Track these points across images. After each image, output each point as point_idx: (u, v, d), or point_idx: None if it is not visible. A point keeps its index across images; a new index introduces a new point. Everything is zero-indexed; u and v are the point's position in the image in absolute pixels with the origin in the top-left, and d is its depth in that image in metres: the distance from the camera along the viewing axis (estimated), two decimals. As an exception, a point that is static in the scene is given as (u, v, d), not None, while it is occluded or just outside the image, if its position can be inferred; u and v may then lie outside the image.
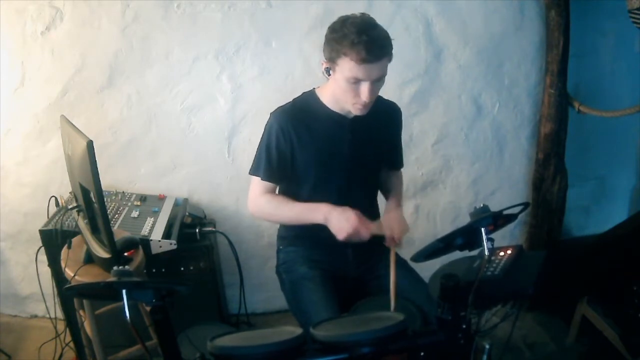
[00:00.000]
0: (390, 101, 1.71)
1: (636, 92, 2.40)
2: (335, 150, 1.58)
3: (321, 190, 1.61)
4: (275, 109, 1.60)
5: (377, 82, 1.44)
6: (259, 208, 1.64)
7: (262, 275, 2.50)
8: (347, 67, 1.39)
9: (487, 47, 2.32)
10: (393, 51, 1.43)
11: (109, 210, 2.03)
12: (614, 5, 2.20)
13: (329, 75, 1.48)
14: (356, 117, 1.55)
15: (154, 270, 2.03)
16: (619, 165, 2.71)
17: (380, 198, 1.82)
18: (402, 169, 1.86)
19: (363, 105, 1.46)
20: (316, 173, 1.61)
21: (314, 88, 1.63)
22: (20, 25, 2.07)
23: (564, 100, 2.31)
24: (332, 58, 1.42)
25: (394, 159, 1.79)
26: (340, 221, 1.46)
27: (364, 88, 1.42)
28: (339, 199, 1.58)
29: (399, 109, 1.72)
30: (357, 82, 1.41)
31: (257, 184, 1.62)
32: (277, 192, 1.69)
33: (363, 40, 1.34)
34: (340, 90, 1.47)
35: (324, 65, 1.47)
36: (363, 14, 1.43)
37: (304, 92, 1.64)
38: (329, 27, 1.44)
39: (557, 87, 2.28)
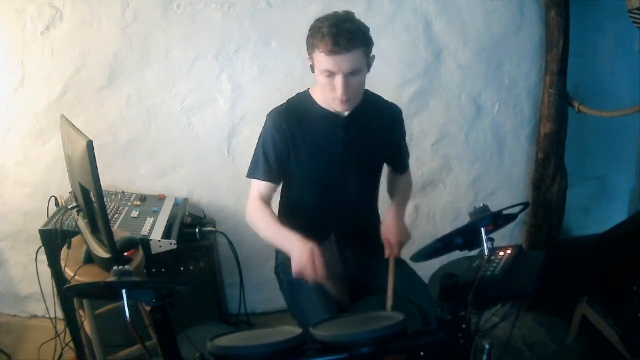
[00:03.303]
0: (391, 103, 1.70)
1: (636, 92, 2.40)
2: (329, 148, 1.58)
3: (317, 189, 1.62)
4: (271, 111, 1.60)
5: (353, 76, 1.43)
6: (249, 215, 1.60)
7: (262, 275, 2.50)
8: (319, 59, 1.42)
9: (487, 47, 2.32)
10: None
11: (109, 210, 2.03)
12: (614, 5, 2.20)
13: (313, 72, 1.49)
14: (350, 116, 1.55)
15: (154, 270, 2.03)
16: (619, 165, 2.71)
17: (383, 202, 1.80)
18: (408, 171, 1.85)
19: (340, 100, 1.46)
20: (312, 172, 1.60)
21: (308, 88, 1.63)
22: (20, 25, 2.07)
23: (564, 100, 2.31)
24: (309, 52, 1.46)
25: (397, 162, 1.78)
26: (300, 254, 1.40)
27: (338, 82, 1.42)
28: (335, 199, 1.58)
29: (400, 111, 1.71)
30: (331, 75, 1.42)
31: (256, 186, 1.61)
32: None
33: (332, 32, 1.36)
34: (321, 86, 1.49)
35: (309, 63, 1.50)
36: (346, 11, 1.44)
37: (298, 93, 1.64)
38: (311, 24, 1.46)
39: (557, 87, 2.28)
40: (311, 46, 1.44)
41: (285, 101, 1.63)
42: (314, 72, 1.49)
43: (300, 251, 1.39)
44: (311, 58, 1.47)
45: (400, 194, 1.77)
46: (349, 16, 1.42)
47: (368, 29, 1.43)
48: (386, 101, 1.68)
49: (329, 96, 1.49)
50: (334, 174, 1.61)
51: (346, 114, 1.55)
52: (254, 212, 1.59)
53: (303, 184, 1.62)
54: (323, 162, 1.59)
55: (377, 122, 1.62)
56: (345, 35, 1.36)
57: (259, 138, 1.61)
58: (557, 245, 2.51)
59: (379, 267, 1.68)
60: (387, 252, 1.58)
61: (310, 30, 1.44)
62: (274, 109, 1.60)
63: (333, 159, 1.59)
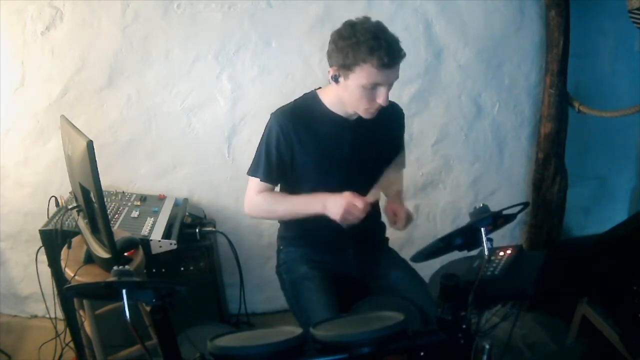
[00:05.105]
0: (393, 102, 1.70)
1: (636, 92, 2.40)
2: (336, 152, 1.58)
3: (322, 191, 1.61)
4: (276, 110, 1.59)
5: (390, 85, 1.45)
6: (255, 206, 1.63)
7: (262, 275, 2.50)
8: (365, 74, 1.38)
9: (487, 47, 2.32)
10: None
11: (109, 210, 2.03)
12: (614, 5, 2.20)
13: (337, 82, 1.46)
14: (358, 120, 1.54)
15: (154, 270, 2.03)
16: (619, 165, 2.71)
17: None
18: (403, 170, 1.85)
19: (377, 109, 1.47)
20: (316, 175, 1.60)
21: (316, 89, 1.62)
22: (20, 25, 2.07)
23: (564, 100, 2.31)
24: (348, 65, 1.39)
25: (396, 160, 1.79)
26: (336, 201, 1.46)
27: (382, 93, 1.42)
28: None
29: (402, 110, 1.72)
30: (374, 87, 1.41)
31: (255, 184, 1.61)
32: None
33: (383, 45, 1.33)
34: (353, 97, 1.45)
35: (332, 73, 1.44)
36: (364, 17, 1.41)
37: (305, 93, 1.63)
38: (337, 34, 1.41)
39: (557, 87, 2.28)
40: (353, 59, 1.37)
41: (287, 100, 1.62)
42: (337, 82, 1.45)
43: (336, 199, 1.46)
44: (345, 70, 1.41)
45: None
46: (380, 23, 1.40)
47: None
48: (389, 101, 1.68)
49: (363, 106, 1.47)
50: (341, 176, 1.61)
51: (355, 117, 1.55)
52: (263, 200, 1.61)
53: (308, 185, 1.62)
54: (330, 165, 1.59)
55: (382, 123, 1.61)
56: (395, 47, 1.36)
57: (262, 136, 1.60)
58: (557, 245, 2.51)
59: (379, 268, 1.68)
60: (393, 222, 1.61)
61: (346, 41, 1.37)
62: (279, 109, 1.59)
63: (341, 162, 1.59)
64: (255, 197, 1.62)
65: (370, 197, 1.49)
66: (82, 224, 1.67)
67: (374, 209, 1.75)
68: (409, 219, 1.62)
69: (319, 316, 1.41)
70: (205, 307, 2.16)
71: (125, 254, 1.63)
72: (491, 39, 2.31)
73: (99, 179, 1.38)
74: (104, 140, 2.23)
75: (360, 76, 1.39)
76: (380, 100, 1.43)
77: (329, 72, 1.46)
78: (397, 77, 1.44)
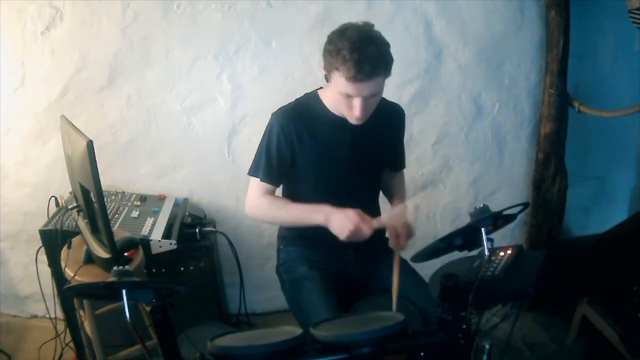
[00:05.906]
0: (394, 103, 1.70)
1: (636, 92, 2.40)
2: (336, 153, 1.58)
3: (322, 191, 1.61)
4: (277, 110, 1.59)
5: (371, 97, 1.43)
6: (257, 210, 1.62)
7: (262, 275, 2.50)
8: (338, 81, 1.39)
9: (487, 47, 2.32)
10: (393, 53, 1.42)
11: (109, 210, 2.03)
12: (614, 5, 2.20)
13: (328, 81, 1.47)
14: None
15: (154, 270, 2.03)
16: (619, 165, 2.71)
17: (383, 200, 1.81)
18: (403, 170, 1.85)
19: (356, 118, 1.46)
20: (317, 175, 1.60)
21: (317, 89, 1.62)
22: (20, 25, 2.07)
23: (564, 100, 2.31)
24: (328, 69, 1.43)
25: (396, 161, 1.79)
26: (341, 220, 1.45)
27: (356, 104, 1.41)
28: (340, 201, 1.58)
29: (403, 111, 1.71)
30: (349, 97, 1.41)
31: (256, 185, 1.61)
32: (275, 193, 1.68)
33: (354, 58, 1.32)
34: (337, 101, 1.48)
35: (323, 72, 1.47)
36: (365, 24, 1.40)
37: (306, 93, 1.63)
38: (329, 36, 1.42)
39: (557, 87, 2.28)
40: (329, 64, 1.40)
41: (287, 101, 1.62)
42: (328, 81, 1.46)
43: (342, 215, 1.45)
44: (328, 72, 1.44)
45: (401, 193, 1.79)
46: (370, 34, 1.38)
47: (389, 46, 1.40)
48: (389, 102, 1.68)
49: (345, 111, 1.48)
50: (340, 177, 1.61)
51: None
52: (265, 206, 1.60)
53: (308, 186, 1.62)
54: (329, 166, 1.59)
55: (383, 125, 1.61)
56: (368, 63, 1.33)
57: (263, 136, 1.60)
58: (557, 245, 2.51)
59: (380, 268, 1.68)
60: (392, 242, 1.56)
61: (329, 45, 1.39)
62: (280, 108, 1.59)
63: (340, 163, 1.59)
64: (257, 200, 1.61)
65: (376, 223, 1.47)
66: (82, 224, 1.67)
67: (374, 210, 1.76)
68: (410, 237, 1.59)
69: (319, 316, 1.40)
70: (205, 307, 2.17)
71: (125, 254, 1.63)
72: (491, 39, 2.31)
73: (99, 179, 1.38)
74: (104, 140, 2.24)
75: (336, 82, 1.41)
76: (355, 111, 1.43)
77: (322, 70, 1.47)
78: (373, 91, 1.40)
